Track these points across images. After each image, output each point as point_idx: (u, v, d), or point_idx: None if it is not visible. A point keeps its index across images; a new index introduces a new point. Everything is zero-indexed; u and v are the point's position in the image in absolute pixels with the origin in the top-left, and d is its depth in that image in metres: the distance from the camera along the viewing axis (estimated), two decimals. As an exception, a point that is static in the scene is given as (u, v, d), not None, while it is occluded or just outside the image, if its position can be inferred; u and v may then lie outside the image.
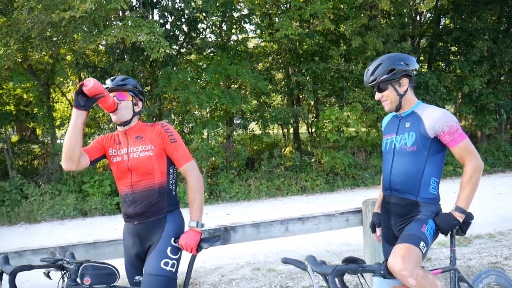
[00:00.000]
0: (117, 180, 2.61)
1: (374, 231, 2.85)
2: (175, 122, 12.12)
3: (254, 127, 13.90)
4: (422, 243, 2.27)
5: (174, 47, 11.62)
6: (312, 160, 12.43)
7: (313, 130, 13.78)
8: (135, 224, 2.53)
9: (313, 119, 13.95)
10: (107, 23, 9.89)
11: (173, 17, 11.33)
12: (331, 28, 11.39)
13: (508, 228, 6.59)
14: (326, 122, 12.09)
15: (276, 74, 14.69)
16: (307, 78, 12.79)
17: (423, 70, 14.31)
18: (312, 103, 13.90)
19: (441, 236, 2.49)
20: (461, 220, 2.35)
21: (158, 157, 2.54)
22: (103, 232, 7.63)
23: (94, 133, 12.11)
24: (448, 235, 2.43)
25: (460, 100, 14.23)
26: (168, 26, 11.48)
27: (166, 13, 11.19)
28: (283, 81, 14.42)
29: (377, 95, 2.58)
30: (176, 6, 11.21)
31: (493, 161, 13.46)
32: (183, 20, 11.53)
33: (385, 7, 10.91)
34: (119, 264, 2.52)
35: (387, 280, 2.19)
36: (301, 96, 13.78)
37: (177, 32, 11.87)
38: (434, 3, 12.86)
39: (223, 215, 8.59)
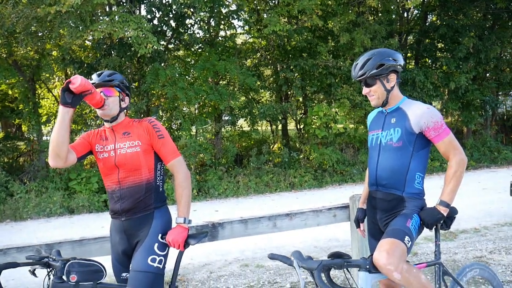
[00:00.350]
0: (104, 176, 2.59)
1: (358, 226, 2.88)
2: (163, 119, 12.05)
3: (243, 124, 13.90)
4: (407, 238, 2.29)
5: (162, 42, 11.54)
6: (301, 156, 12.47)
7: (301, 126, 13.82)
8: (122, 220, 2.52)
9: (301, 116, 13.98)
10: (94, 18, 9.76)
11: (160, 13, 11.25)
12: (319, 25, 11.41)
13: (493, 222, 6.70)
14: (314, 119, 12.13)
15: (264, 70, 14.69)
16: (296, 75, 12.81)
17: (410, 66, 14.43)
18: (301, 99, 13.93)
19: (427, 231, 2.52)
20: (445, 214, 2.38)
21: (145, 153, 2.53)
22: (90, 230, 7.57)
23: (81, 129, 11.97)
24: (433, 229, 2.46)
25: (447, 96, 14.38)
26: (155, 22, 11.39)
27: (153, 9, 11.10)
28: (272, 77, 14.43)
29: (365, 90, 2.58)
30: (164, 1, 11.12)
31: (479, 156, 13.65)
32: (171, 15, 11.44)
33: (373, 3, 10.99)
34: (106, 262, 2.50)
35: (373, 274, 2.21)
36: (289, 93, 13.81)
37: (164, 28, 11.79)
38: (421, 0, 12.97)
39: (211, 212, 8.58)
